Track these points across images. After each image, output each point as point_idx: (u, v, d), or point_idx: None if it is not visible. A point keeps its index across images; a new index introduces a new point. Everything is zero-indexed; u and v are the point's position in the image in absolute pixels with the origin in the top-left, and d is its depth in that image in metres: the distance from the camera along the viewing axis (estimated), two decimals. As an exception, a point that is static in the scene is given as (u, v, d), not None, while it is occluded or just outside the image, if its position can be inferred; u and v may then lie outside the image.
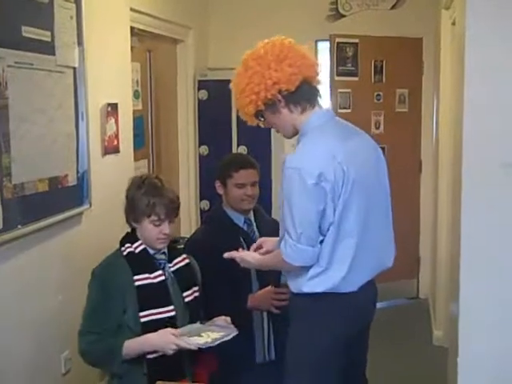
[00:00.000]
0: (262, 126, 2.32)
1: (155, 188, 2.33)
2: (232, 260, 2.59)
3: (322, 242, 2.12)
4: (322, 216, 2.09)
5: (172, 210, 2.35)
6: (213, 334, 2.24)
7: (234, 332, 2.27)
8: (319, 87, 2.28)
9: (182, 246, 2.74)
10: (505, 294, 2.46)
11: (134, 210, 2.35)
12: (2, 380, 2.53)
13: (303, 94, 2.19)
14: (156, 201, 2.30)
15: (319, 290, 2.14)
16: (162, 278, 2.35)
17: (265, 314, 2.73)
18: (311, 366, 2.20)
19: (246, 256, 2.38)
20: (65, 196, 2.95)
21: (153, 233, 2.33)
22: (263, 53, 2.18)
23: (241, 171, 2.76)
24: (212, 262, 2.58)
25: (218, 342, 2.21)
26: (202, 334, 2.24)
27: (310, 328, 2.20)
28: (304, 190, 2.06)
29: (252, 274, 2.73)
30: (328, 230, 2.11)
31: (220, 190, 2.82)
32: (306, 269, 2.15)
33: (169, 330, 2.23)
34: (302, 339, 2.22)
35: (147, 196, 2.31)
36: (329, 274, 2.13)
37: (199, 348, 2.21)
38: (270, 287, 2.67)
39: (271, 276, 2.64)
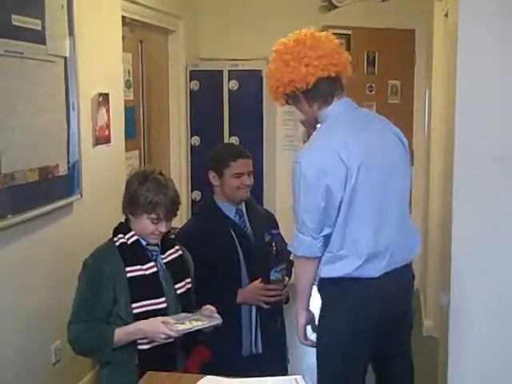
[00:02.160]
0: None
1: (159, 185, 2.30)
2: (222, 252, 2.61)
3: (331, 233, 2.20)
4: (326, 208, 2.16)
5: (172, 210, 2.33)
6: (196, 322, 2.24)
7: (217, 321, 2.28)
8: (342, 80, 2.32)
9: (173, 237, 2.73)
10: (495, 284, 2.47)
11: (133, 204, 2.32)
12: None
13: (319, 91, 2.26)
14: (158, 200, 2.28)
15: (335, 275, 2.21)
16: (154, 269, 2.33)
17: (253, 306, 2.71)
18: (335, 349, 2.25)
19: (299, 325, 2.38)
20: (55, 186, 2.93)
21: (149, 228, 2.31)
22: (284, 48, 2.26)
23: (238, 160, 2.73)
24: (201, 254, 2.57)
25: (198, 328, 2.22)
26: (186, 322, 2.24)
27: (333, 312, 2.26)
28: (304, 184, 2.17)
29: (242, 269, 2.72)
30: (336, 219, 2.18)
31: (214, 181, 2.77)
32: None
33: (159, 318, 2.22)
34: (325, 323, 2.29)
35: (150, 193, 2.28)
36: (345, 261, 2.19)
37: (191, 338, 2.21)
38: (257, 282, 2.65)
39: (261, 271, 2.64)
